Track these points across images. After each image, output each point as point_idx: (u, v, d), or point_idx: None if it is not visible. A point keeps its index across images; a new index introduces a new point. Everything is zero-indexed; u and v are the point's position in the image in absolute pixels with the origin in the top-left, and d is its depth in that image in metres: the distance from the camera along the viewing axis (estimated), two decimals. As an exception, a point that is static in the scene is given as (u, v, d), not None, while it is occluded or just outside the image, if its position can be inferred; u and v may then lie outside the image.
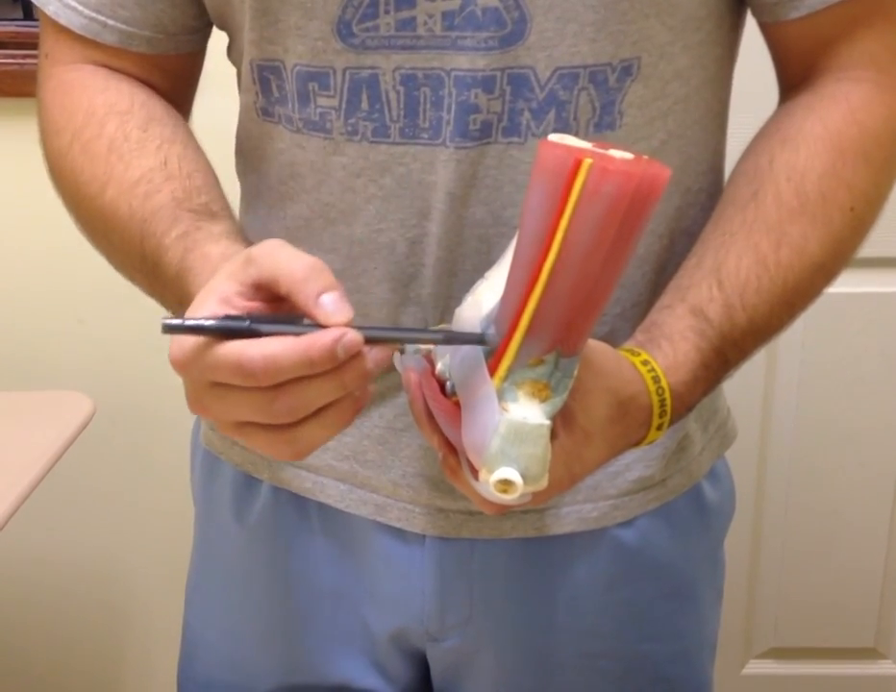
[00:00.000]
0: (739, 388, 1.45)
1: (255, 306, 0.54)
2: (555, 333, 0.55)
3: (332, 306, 0.52)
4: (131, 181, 0.70)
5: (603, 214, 0.51)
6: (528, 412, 0.55)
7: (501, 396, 0.56)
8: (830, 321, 1.48)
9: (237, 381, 0.52)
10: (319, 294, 0.52)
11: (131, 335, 1.48)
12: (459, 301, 0.66)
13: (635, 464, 0.77)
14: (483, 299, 0.60)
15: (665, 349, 0.65)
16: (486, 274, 0.64)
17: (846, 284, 1.42)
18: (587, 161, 0.50)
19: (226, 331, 0.52)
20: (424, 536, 0.78)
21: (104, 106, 0.73)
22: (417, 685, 0.85)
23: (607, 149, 0.53)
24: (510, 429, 0.55)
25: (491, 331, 0.57)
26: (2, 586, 1.62)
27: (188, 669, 0.92)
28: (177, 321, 0.52)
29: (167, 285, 0.67)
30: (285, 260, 0.53)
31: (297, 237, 0.73)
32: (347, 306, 0.52)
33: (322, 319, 0.51)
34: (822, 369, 1.52)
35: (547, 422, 0.56)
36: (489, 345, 0.57)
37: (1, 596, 1.63)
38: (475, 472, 0.58)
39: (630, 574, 0.80)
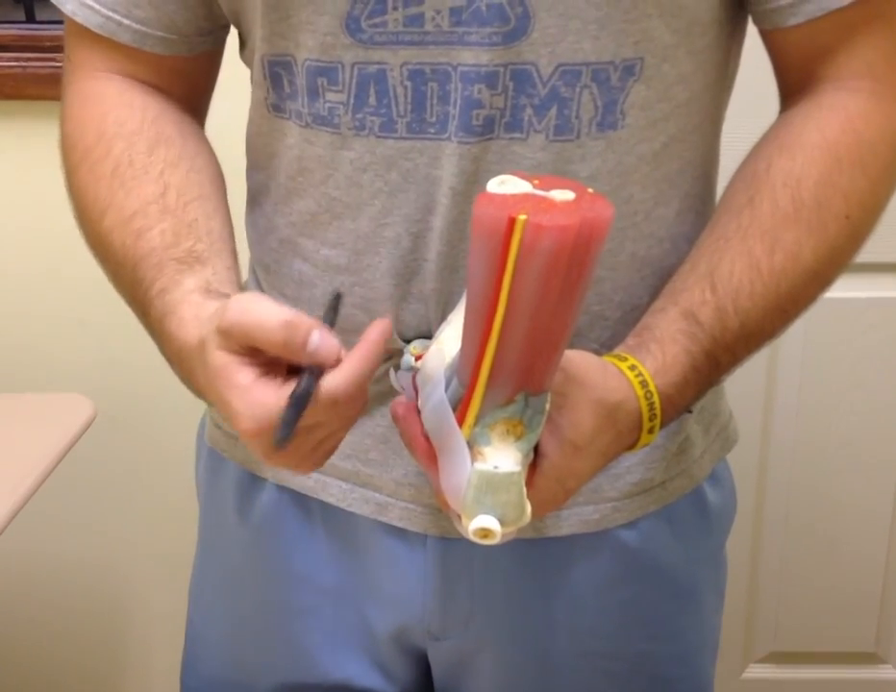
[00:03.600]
0: (740, 393, 1.45)
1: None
2: (517, 379, 0.55)
3: (321, 348, 0.56)
4: (128, 213, 0.71)
5: (544, 268, 0.50)
6: (500, 457, 0.56)
7: (474, 441, 0.56)
8: (830, 326, 1.48)
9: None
10: (304, 342, 0.56)
11: (132, 337, 1.47)
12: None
13: (637, 467, 0.77)
14: (445, 348, 0.61)
15: (655, 352, 0.66)
16: (449, 317, 0.65)
17: (847, 290, 1.43)
18: (521, 219, 0.49)
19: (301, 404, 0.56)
20: (426, 536, 0.78)
21: (115, 124, 0.74)
22: (418, 684, 0.86)
23: (549, 190, 0.52)
24: (482, 479, 0.56)
25: (455, 381, 0.57)
26: (3, 588, 1.62)
27: (191, 667, 0.92)
28: (281, 435, 0.55)
29: (155, 335, 0.69)
30: (257, 323, 0.57)
31: (303, 233, 0.74)
32: (331, 337, 0.57)
33: (321, 359, 0.56)
34: (823, 374, 1.51)
35: (518, 468, 0.56)
36: None
37: (2, 597, 1.63)
38: (458, 516, 0.59)
39: (631, 574, 0.80)
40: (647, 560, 0.80)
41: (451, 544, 0.78)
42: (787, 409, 1.54)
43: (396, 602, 0.81)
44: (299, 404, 0.55)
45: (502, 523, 0.56)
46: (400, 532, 0.79)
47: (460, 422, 0.56)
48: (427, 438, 0.60)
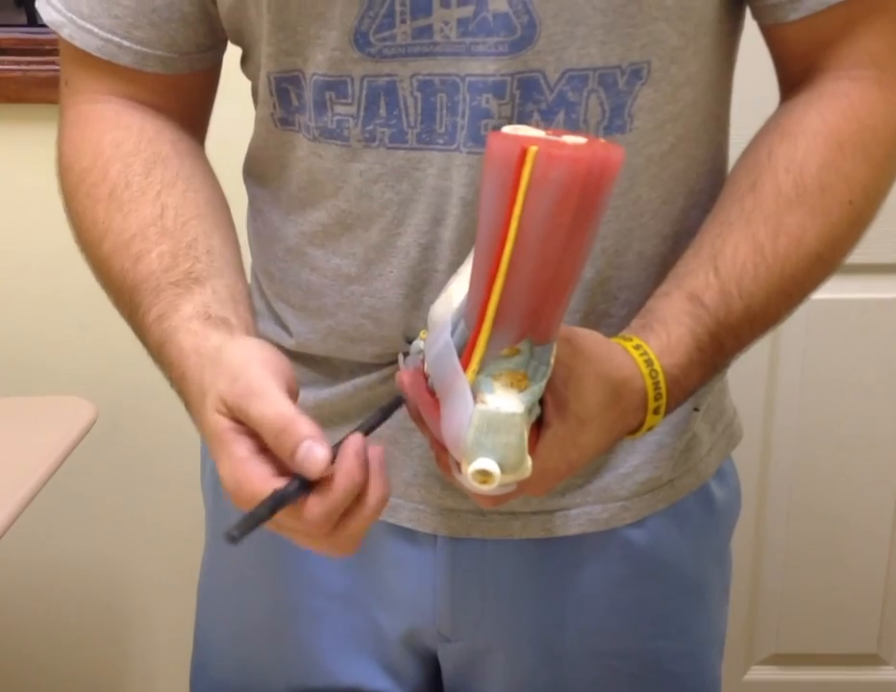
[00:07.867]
0: (742, 395, 1.45)
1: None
2: (523, 321, 0.55)
3: (305, 462, 0.55)
4: (127, 237, 0.70)
5: (555, 201, 0.50)
6: (502, 402, 0.56)
7: (477, 388, 0.56)
8: (831, 327, 1.48)
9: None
10: (293, 452, 0.55)
11: (132, 340, 1.47)
12: None
13: (645, 465, 0.77)
14: (453, 294, 0.60)
15: (659, 332, 0.66)
16: (459, 269, 0.64)
17: (847, 290, 1.44)
18: (533, 149, 0.50)
19: (278, 505, 0.55)
20: (435, 537, 0.78)
21: (111, 145, 0.74)
22: (428, 687, 0.86)
23: (560, 136, 0.53)
24: (483, 419, 0.55)
25: (462, 324, 0.57)
26: (3, 591, 1.62)
27: (200, 671, 0.92)
28: (238, 526, 0.54)
29: (155, 360, 0.68)
30: (256, 418, 0.56)
31: (313, 242, 0.74)
32: (319, 451, 0.55)
33: (305, 474, 0.55)
34: (824, 375, 1.52)
35: (520, 410, 0.56)
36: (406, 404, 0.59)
37: (2, 601, 1.63)
38: (458, 465, 0.58)
39: (640, 573, 0.80)
40: (655, 558, 0.80)
41: (461, 544, 0.78)
42: (789, 410, 1.54)
43: (406, 604, 0.81)
44: (257, 517, 0.54)
45: (501, 468, 0.56)
46: (409, 534, 0.79)
47: (465, 366, 0.56)
48: (431, 392, 0.60)
